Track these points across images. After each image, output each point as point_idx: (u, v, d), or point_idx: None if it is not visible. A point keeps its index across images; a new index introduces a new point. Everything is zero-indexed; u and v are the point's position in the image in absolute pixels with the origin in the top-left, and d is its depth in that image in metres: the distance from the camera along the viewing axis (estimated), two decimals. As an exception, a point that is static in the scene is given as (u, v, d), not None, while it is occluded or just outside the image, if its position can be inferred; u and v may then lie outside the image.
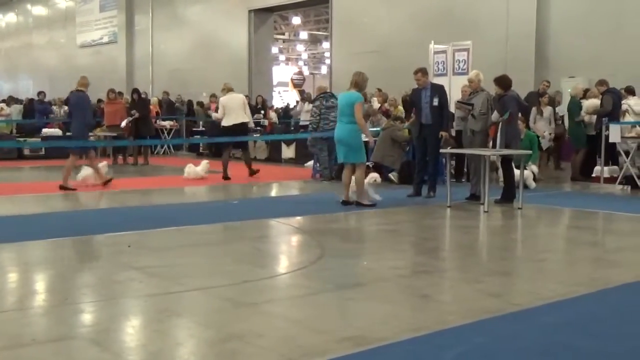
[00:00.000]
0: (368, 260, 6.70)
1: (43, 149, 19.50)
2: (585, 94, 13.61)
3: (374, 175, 10.49)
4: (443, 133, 10.85)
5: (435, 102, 10.68)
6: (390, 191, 11.96)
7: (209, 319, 4.61)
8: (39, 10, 33.23)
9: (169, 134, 21.73)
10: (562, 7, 15.00)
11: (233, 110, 14.15)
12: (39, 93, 24.39)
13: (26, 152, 19.63)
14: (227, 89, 14.75)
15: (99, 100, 20.95)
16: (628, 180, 12.43)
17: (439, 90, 10.94)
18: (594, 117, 13.02)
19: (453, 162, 12.33)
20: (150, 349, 4.08)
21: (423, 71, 10.99)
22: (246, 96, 20.30)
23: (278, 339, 4.16)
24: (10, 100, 23.84)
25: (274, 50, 33.32)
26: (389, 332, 4.22)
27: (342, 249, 7.21)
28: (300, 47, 46.86)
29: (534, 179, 12.48)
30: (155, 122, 20.59)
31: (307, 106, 17.54)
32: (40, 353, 3.91)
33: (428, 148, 10.92)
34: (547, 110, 13.78)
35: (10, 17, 35.66)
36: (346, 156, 10.04)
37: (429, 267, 6.42)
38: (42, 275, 6.13)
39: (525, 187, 10.74)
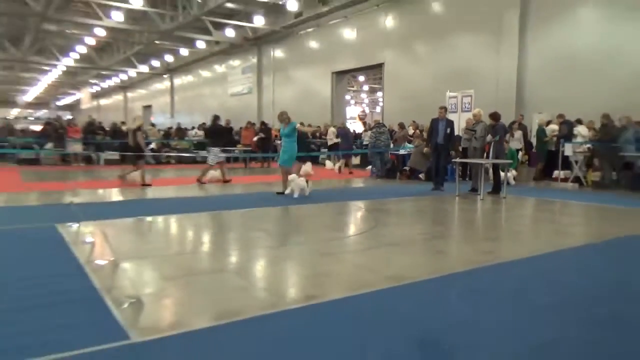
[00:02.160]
0: (404, 229, 6.67)
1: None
2: (548, 124, 13.26)
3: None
4: (453, 152, 11.16)
5: (448, 130, 10.75)
6: (420, 186, 11.88)
7: (305, 262, 4.71)
8: (206, 74, 34.27)
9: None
10: (534, 65, 14.48)
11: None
12: (202, 124, 25.12)
13: (198, 159, 20.33)
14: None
15: (240, 128, 21.45)
16: (576, 180, 12.10)
17: (450, 124, 10.93)
18: (554, 138, 12.71)
19: (460, 168, 12.16)
20: (271, 280, 4.21)
21: (445, 108, 11.21)
22: (334, 126, 20.53)
23: (347, 276, 4.23)
24: (200, 127, 24.38)
25: (347, 97, 33.23)
26: (417, 274, 4.23)
27: (388, 221, 7.20)
28: (363, 95, 46.84)
29: (514, 179, 12.30)
30: (274, 141, 20.96)
31: (368, 132, 17.50)
32: (204, 279, 4.10)
33: (441, 159, 10.95)
34: (518, 133, 13.37)
35: (189, 78, 36.92)
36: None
37: (444, 234, 6.36)
38: (206, 233, 6.40)
39: (508, 184, 10.52)
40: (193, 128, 24.87)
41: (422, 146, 13.03)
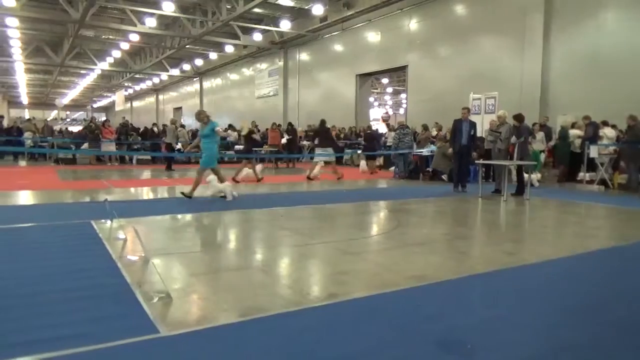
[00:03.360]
0: (426, 229, 6.59)
1: (235, 158, 20.24)
2: (573, 125, 12.92)
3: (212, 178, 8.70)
4: (475, 154, 10.95)
5: (472, 132, 10.63)
6: (442, 187, 11.73)
7: (328, 260, 4.69)
8: (234, 77, 34.50)
9: (307, 149, 22.08)
10: (558, 67, 14.18)
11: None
12: (230, 125, 25.33)
13: (225, 159, 20.48)
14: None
15: (267, 129, 21.54)
16: (602, 182, 11.76)
17: (474, 125, 10.82)
18: (579, 140, 12.39)
19: (484, 169, 11.98)
20: (294, 276, 4.21)
21: (469, 109, 11.08)
22: (353, 127, 20.49)
23: (369, 275, 4.19)
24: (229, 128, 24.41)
25: (371, 99, 33.06)
26: (439, 274, 4.17)
27: (410, 221, 7.13)
28: (387, 97, 46.52)
29: (538, 181, 12.07)
30: (299, 142, 20.99)
31: (391, 134, 17.40)
32: (230, 276, 4.12)
33: (464, 160, 10.81)
34: (539, 135, 13.08)
35: (218, 81, 37.28)
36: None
37: (466, 235, 6.25)
38: (233, 230, 6.45)
39: (532, 185, 10.34)
40: (226, 129, 24.76)
41: (444, 147, 12.87)
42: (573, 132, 12.63)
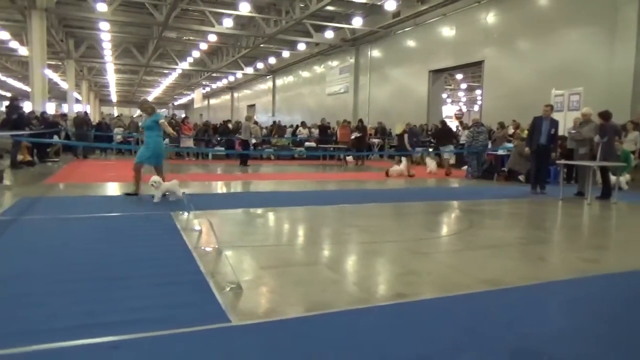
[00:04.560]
0: (500, 232, 6.32)
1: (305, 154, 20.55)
2: None
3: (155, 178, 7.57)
4: (553, 154, 10.30)
5: (552, 131, 10.00)
6: (519, 188, 11.21)
7: (396, 260, 4.63)
8: (305, 74, 34.97)
9: (377, 147, 21.97)
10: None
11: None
12: (302, 122, 25.69)
13: (296, 156, 20.83)
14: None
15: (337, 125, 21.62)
16: None
17: (556, 124, 10.16)
18: None
19: (565, 170, 11.27)
20: (361, 274, 4.21)
21: (552, 107, 10.48)
22: (425, 124, 20.13)
23: (439, 276, 4.10)
24: (302, 125, 24.65)
25: (444, 95, 32.14)
26: (513, 279, 3.99)
27: (483, 223, 6.87)
28: (460, 93, 45.11)
29: (626, 184, 11.14)
30: (369, 139, 20.86)
31: (465, 132, 16.86)
32: (298, 271, 4.19)
33: (542, 160, 10.19)
34: (633, 134, 11.93)
35: (290, 78, 37.92)
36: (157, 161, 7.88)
37: (544, 239, 5.93)
38: (302, 226, 6.54)
39: (620, 189, 9.61)
40: (297, 127, 24.88)
41: (521, 146, 12.25)
42: None
